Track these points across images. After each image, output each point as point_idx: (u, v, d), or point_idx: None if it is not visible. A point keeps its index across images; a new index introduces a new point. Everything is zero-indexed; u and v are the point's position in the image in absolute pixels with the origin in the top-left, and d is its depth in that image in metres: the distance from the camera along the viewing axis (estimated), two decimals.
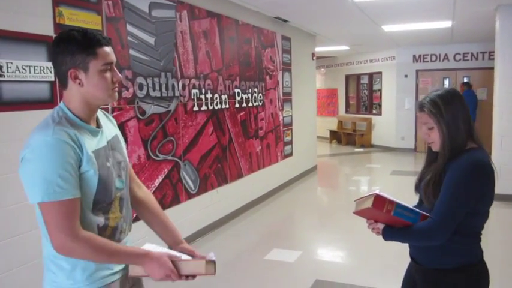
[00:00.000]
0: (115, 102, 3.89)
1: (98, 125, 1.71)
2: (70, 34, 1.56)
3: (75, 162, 1.51)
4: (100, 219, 1.62)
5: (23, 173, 1.52)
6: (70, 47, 1.54)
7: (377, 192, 1.76)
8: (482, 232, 1.90)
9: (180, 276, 1.65)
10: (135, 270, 1.65)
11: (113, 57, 1.62)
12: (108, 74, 1.60)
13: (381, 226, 1.87)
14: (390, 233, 1.86)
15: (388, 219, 1.82)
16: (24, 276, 3.09)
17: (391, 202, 1.76)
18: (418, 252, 1.95)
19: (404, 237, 1.87)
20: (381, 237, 1.91)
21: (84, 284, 1.59)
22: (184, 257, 1.73)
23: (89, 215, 1.58)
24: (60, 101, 3.35)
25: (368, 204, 1.76)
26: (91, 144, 1.60)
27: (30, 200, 1.52)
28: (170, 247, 1.85)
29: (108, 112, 3.81)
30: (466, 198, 1.75)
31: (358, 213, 1.87)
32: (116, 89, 1.66)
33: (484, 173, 1.77)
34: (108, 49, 1.60)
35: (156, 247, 1.71)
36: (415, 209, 1.86)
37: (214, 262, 1.70)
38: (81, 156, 1.53)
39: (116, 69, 1.64)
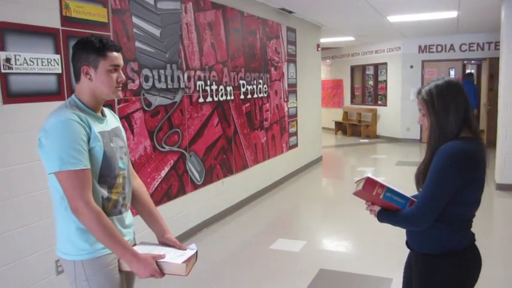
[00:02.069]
0: (121, 95, 3.94)
1: (103, 115, 1.98)
2: (88, 38, 1.87)
3: (86, 138, 1.78)
4: (104, 192, 1.87)
5: (42, 148, 1.77)
6: (86, 48, 1.84)
7: (369, 175, 1.86)
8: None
9: (163, 274, 1.86)
10: (125, 265, 1.86)
11: (120, 62, 1.90)
12: (114, 74, 1.88)
13: (377, 209, 1.97)
14: (384, 215, 1.95)
15: (379, 202, 1.93)
16: (34, 265, 3.16)
17: (382, 186, 1.85)
18: (409, 238, 2.04)
19: (393, 220, 1.95)
20: (385, 227, 2.01)
21: (86, 253, 1.83)
22: (168, 249, 1.97)
23: (96, 186, 1.84)
24: (67, 92, 3.41)
25: (360, 186, 1.87)
26: (97, 126, 1.87)
27: (49, 170, 1.77)
28: (156, 236, 2.11)
29: (114, 103, 3.87)
30: (445, 186, 1.79)
31: (356, 194, 1.97)
32: (120, 88, 1.93)
33: (463, 162, 1.78)
34: (117, 54, 1.89)
35: (146, 248, 1.95)
36: (404, 194, 1.92)
37: (194, 262, 1.95)
38: (89, 134, 1.80)
39: (121, 72, 1.92)
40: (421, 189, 1.92)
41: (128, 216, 2.01)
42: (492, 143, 10.88)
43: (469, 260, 1.92)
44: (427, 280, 1.94)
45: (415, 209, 1.84)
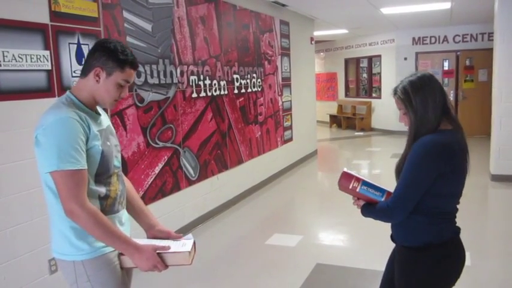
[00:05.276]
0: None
1: (98, 114, 1.95)
2: (115, 46, 1.82)
3: (84, 138, 1.74)
4: (102, 190, 1.83)
5: (39, 146, 1.72)
6: (110, 52, 1.80)
7: (345, 169, 1.88)
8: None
9: (166, 266, 1.82)
10: (126, 262, 1.83)
11: (132, 79, 1.90)
12: (120, 89, 1.86)
13: (361, 203, 1.97)
14: (366, 209, 1.96)
15: (356, 196, 1.94)
16: (27, 265, 3.12)
17: (358, 179, 1.88)
18: (393, 231, 2.03)
19: (372, 214, 1.95)
20: (380, 221, 1.98)
21: (86, 252, 1.79)
22: (165, 242, 1.91)
23: (93, 185, 1.80)
24: (57, 89, 3.35)
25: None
26: (95, 125, 1.84)
27: (46, 169, 1.70)
28: (146, 231, 2.06)
29: None
30: (419, 178, 1.79)
31: (341, 189, 1.98)
32: (117, 101, 1.92)
33: (436, 153, 1.77)
34: (133, 71, 1.88)
35: (142, 241, 1.89)
36: (381, 187, 1.92)
37: (194, 252, 1.89)
38: (88, 134, 1.76)
39: (127, 88, 1.91)
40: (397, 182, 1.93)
41: (124, 214, 1.99)
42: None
43: (450, 254, 1.88)
44: (408, 272, 1.94)
45: (390, 201, 1.85)
